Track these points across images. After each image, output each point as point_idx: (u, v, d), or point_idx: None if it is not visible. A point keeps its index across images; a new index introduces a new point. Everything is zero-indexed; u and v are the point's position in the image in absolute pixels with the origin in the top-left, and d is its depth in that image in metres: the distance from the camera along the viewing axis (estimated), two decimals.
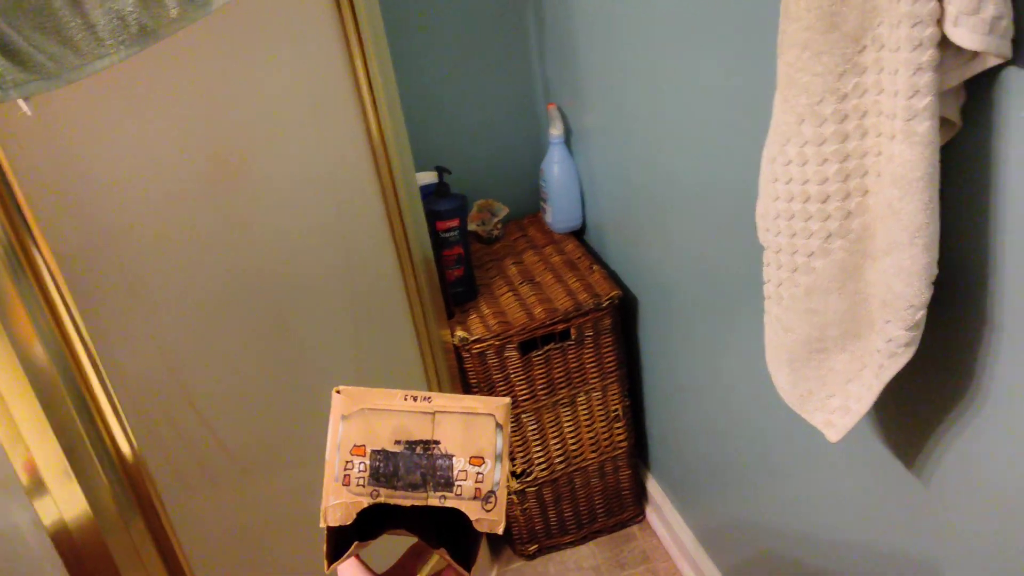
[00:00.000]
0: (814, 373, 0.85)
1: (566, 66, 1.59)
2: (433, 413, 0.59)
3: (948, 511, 0.87)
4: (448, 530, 0.61)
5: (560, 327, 1.54)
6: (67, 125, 0.85)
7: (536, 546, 1.81)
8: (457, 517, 0.59)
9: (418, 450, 0.58)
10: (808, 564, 1.23)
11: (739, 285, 1.16)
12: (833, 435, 0.85)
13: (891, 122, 0.66)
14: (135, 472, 0.94)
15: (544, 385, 1.60)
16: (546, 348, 1.56)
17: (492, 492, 0.58)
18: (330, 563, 0.58)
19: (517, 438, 1.64)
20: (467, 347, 1.51)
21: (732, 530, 1.49)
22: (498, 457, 0.58)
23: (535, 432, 1.65)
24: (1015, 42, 0.63)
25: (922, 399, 0.85)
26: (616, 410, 1.69)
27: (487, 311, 1.56)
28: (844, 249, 0.76)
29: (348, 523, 0.57)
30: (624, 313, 1.65)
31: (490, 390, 1.56)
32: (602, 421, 1.70)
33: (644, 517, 1.88)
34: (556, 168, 1.71)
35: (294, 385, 1.17)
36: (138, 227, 0.92)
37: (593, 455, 1.73)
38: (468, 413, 0.59)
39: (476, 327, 1.52)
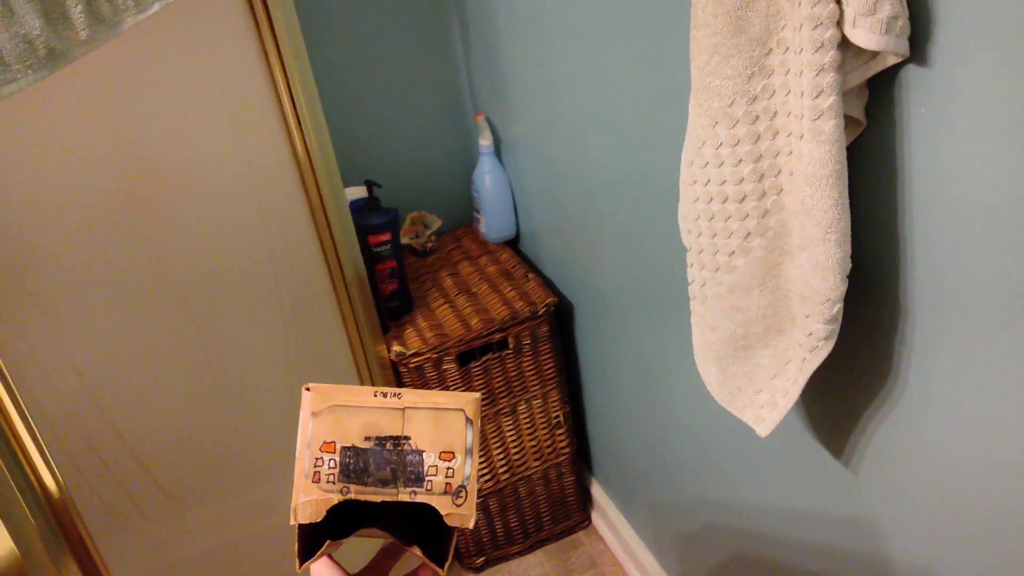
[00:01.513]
0: (741, 370, 0.86)
1: (492, 76, 1.60)
2: (403, 409, 0.59)
3: (875, 496, 0.89)
4: (421, 528, 0.62)
5: (497, 336, 1.54)
6: None
7: (483, 558, 1.80)
8: (430, 514, 0.59)
9: (388, 446, 0.58)
10: (751, 558, 1.25)
11: (670, 287, 1.18)
12: (763, 430, 0.87)
13: (799, 122, 0.68)
14: (62, 510, 0.91)
15: (485, 396, 1.60)
16: (484, 358, 1.56)
17: (463, 487, 0.58)
18: (302, 562, 0.58)
19: None
20: (404, 361, 1.50)
21: (677, 530, 1.51)
22: (468, 451, 0.59)
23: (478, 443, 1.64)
24: (912, 41, 0.65)
25: (846, 389, 0.87)
26: (557, 417, 1.70)
27: (424, 324, 1.56)
28: (763, 247, 0.78)
29: (318, 520, 0.57)
30: (561, 320, 1.66)
31: None
32: (544, 428, 1.70)
33: (590, 522, 1.89)
34: (487, 178, 1.71)
35: (224, 408, 1.15)
36: (53, 249, 0.90)
37: (537, 463, 1.73)
38: (438, 408, 0.59)
39: (413, 341, 1.52)
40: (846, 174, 0.68)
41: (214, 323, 1.14)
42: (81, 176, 0.92)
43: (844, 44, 0.65)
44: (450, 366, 1.53)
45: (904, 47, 0.65)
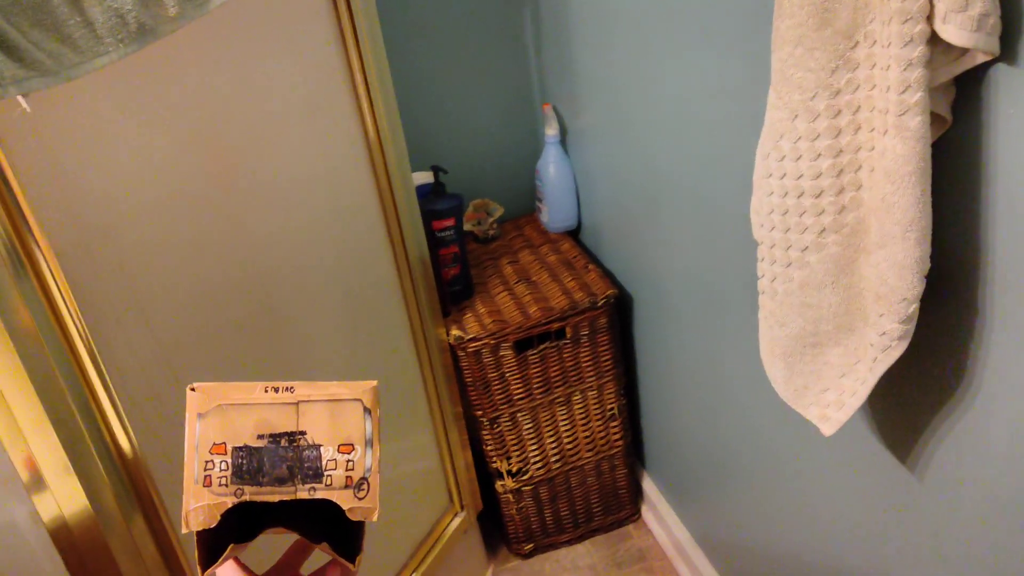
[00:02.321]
0: (808, 368, 0.86)
1: (562, 66, 1.60)
2: (296, 403, 0.57)
3: (942, 505, 0.88)
4: (330, 522, 0.59)
5: (556, 326, 1.55)
6: (66, 123, 0.86)
7: (532, 545, 1.81)
8: (338, 511, 0.57)
9: (283, 443, 0.56)
10: (804, 560, 1.23)
11: (734, 282, 1.17)
12: (828, 429, 0.86)
13: (883, 117, 0.67)
14: (135, 469, 0.94)
15: (540, 384, 1.60)
16: (542, 347, 1.57)
17: (364, 479, 0.56)
18: (204, 569, 0.56)
19: (513, 437, 1.64)
20: (463, 346, 1.52)
21: (728, 528, 1.50)
22: (368, 442, 0.57)
23: (531, 431, 1.65)
24: (1003, 39, 0.64)
25: (916, 393, 0.86)
26: (612, 409, 1.70)
27: (483, 310, 1.57)
28: (838, 243, 0.77)
29: (212, 526, 0.55)
30: (620, 312, 1.66)
31: (485, 388, 1.56)
32: (598, 420, 1.71)
33: (640, 516, 1.89)
34: (552, 168, 1.72)
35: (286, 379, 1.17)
36: (136, 225, 0.93)
37: (589, 454, 1.73)
38: (333, 400, 0.57)
39: (472, 326, 1.53)
40: (930, 172, 0.67)
41: (280, 299, 1.16)
42: (156, 144, 0.95)
43: (933, 40, 0.64)
44: (507, 353, 1.54)
45: (994, 45, 0.64)
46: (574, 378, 1.63)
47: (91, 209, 0.88)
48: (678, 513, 1.73)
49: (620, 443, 1.75)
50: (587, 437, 1.71)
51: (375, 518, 0.57)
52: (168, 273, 0.98)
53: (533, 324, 1.53)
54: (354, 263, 1.30)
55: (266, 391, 0.57)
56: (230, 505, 0.55)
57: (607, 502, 1.83)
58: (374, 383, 0.58)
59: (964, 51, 0.66)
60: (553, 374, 1.61)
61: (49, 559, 0.90)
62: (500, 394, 1.59)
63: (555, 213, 1.76)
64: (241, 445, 0.56)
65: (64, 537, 0.90)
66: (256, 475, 0.56)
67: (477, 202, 1.80)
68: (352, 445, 0.56)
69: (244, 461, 0.56)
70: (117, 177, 0.91)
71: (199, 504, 0.55)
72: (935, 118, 0.70)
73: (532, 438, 1.67)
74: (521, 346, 1.55)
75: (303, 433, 0.56)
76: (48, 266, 0.82)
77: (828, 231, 0.77)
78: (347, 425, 0.56)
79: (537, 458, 1.69)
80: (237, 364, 1.11)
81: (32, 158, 0.82)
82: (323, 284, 1.25)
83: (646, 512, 1.87)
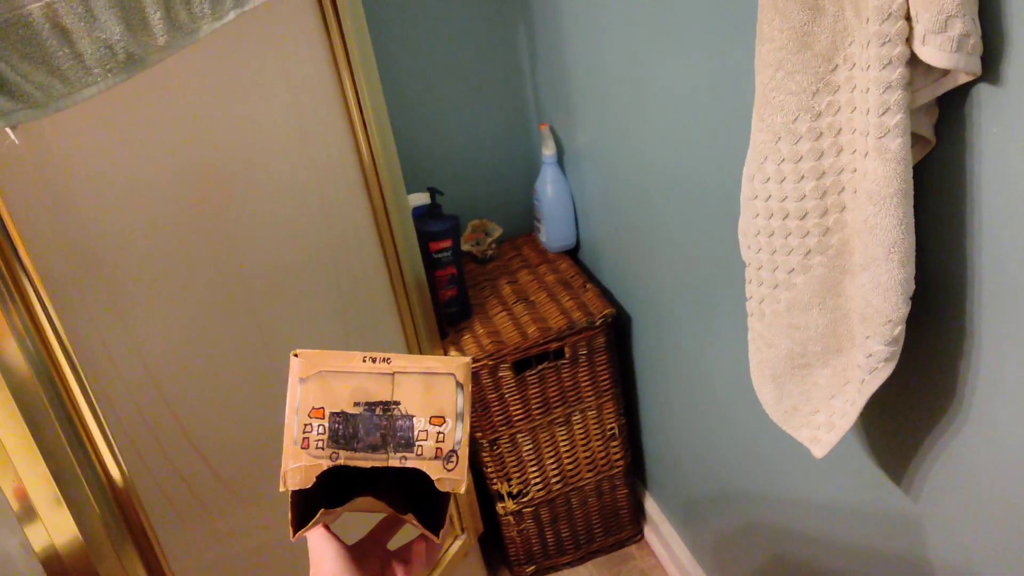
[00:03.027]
0: (798, 389, 0.85)
1: (557, 86, 1.61)
2: (392, 374, 0.58)
3: (938, 524, 0.87)
4: (416, 497, 0.61)
5: (554, 346, 1.55)
6: (54, 150, 0.86)
7: (534, 567, 1.80)
8: (424, 483, 0.58)
9: (378, 411, 0.58)
10: None
11: (731, 301, 1.17)
12: (819, 451, 0.85)
13: (864, 139, 0.67)
14: (125, 498, 0.94)
15: (539, 404, 1.60)
16: (540, 367, 1.56)
17: (454, 451, 0.58)
18: (295, 531, 0.58)
19: (513, 458, 1.64)
20: None
21: (729, 548, 1.49)
22: (459, 416, 0.58)
23: (531, 452, 1.65)
24: (984, 59, 0.64)
25: (906, 413, 0.85)
26: (612, 428, 1.69)
27: (481, 330, 1.57)
28: (824, 265, 0.77)
29: (308, 486, 0.57)
30: (618, 331, 1.66)
31: (484, 410, 1.56)
32: (598, 440, 1.70)
33: (642, 536, 1.87)
34: (549, 188, 1.72)
35: (283, 406, 1.17)
36: (125, 254, 0.93)
37: (590, 474, 1.73)
38: (428, 373, 0.58)
39: (470, 347, 1.53)
40: (912, 193, 0.67)
41: (276, 322, 1.17)
42: (151, 174, 0.95)
43: (913, 61, 0.64)
44: (506, 373, 1.54)
45: (976, 66, 0.63)
46: (573, 398, 1.63)
47: (80, 238, 0.89)
48: (680, 533, 1.72)
49: (621, 463, 1.74)
50: (587, 457, 1.71)
51: (463, 490, 0.58)
52: (157, 301, 0.98)
53: (531, 344, 1.53)
54: (350, 286, 1.31)
55: (364, 360, 0.59)
56: (325, 467, 0.57)
57: (608, 523, 1.82)
58: (468, 359, 0.59)
59: (945, 72, 0.66)
60: (552, 394, 1.60)
61: None
62: (499, 415, 1.58)
63: (553, 233, 1.76)
64: (338, 411, 0.58)
65: (55, 567, 0.90)
66: (351, 441, 0.58)
67: (475, 223, 1.80)
68: (444, 418, 0.58)
69: (340, 426, 0.58)
70: (107, 206, 0.91)
71: (297, 465, 0.57)
72: (918, 139, 0.70)
73: (532, 459, 1.66)
74: (520, 367, 1.55)
75: (397, 403, 0.58)
76: (37, 296, 0.82)
77: (813, 252, 0.76)
78: (440, 398, 0.58)
79: (537, 479, 1.68)
80: (229, 391, 1.11)
81: (21, 188, 0.82)
82: (318, 308, 1.25)
83: (648, 532, 1.86)
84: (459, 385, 0.58)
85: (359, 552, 0.64)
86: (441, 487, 0.58)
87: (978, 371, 0.74)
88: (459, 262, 1.57)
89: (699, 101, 1.09)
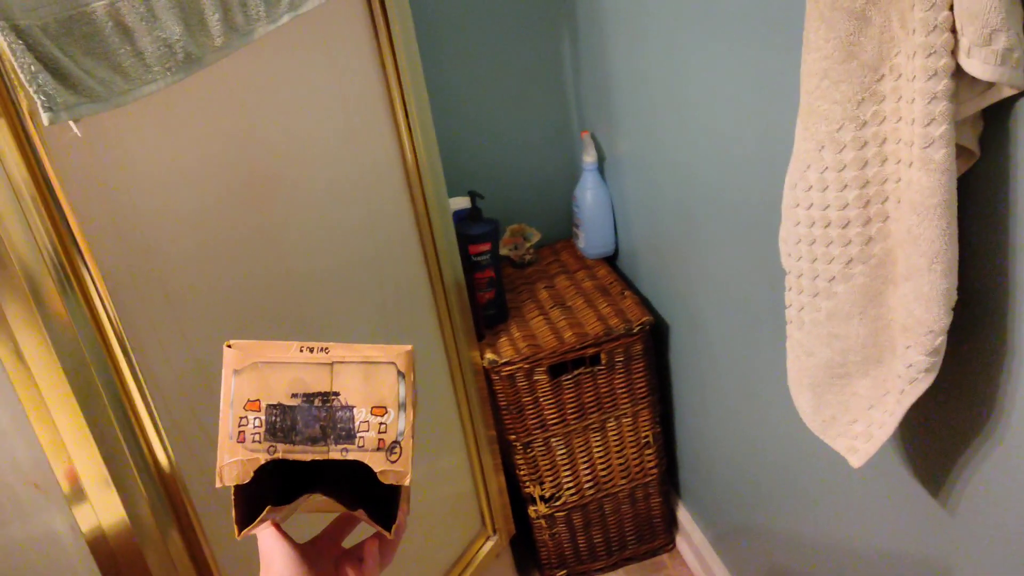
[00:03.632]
0: (836, 398, 0.85)
1: (600, 93, 1.62)
2: (331, 364, 0.57)
3: (975, 539, 0.86)
4: (367, 492, 0.59)
5: (591, 351, 1.55)
6: (114, 145, 0.89)
7: (565, 572, 1.81)
8: (374, 477, 0.56)
9: (316, 402, 0.56)
10: None
11: (769, 311, 1.17)
12: (856, 461, 0.85)
13: (909, 149, 0.68)
14: (172, 484, 0.96)
15: (574, 409, 1.61)
16: (576, 372, 1.57)
17: (396, 442, 0.56)
18: (240, 528, 0.56)
19: (546, 462, 1.65)
20: (496, 369, 1.53)
21: (762, 560, 1.48)
22: (401, 406, 0.56)
23: (564, 456, 1.66)
24: None
25: (945, 426, 0.85)
26: (647, 436, 1.70)
27: (517, 334, 1.58)
28: (865, 274, 0.77)
29: (246, 481, 0.55)
30: (656, 339, 1.66)
31: (519, 413, 1.57)
32: (632, 447, 1.70)
33: (674, 545, 1.87)
34: (589, 195, 1.73)
35: None
36: (177, 245, 0.96)
37: (623, 481, 1.73)
38: (368, 362, 0.57)
39: (506, 350, 1.54)
40: (955, 204, 0.67)
41: (317, 318, 1.19)
42: (205, 172, 0.98)
43: (959, 73, 0.64)
44: (541, 377, 1.55)
45: (1020, 79, 0.64)
46: (608, 404, 1.63)
47: (135, 228, 0.92)
48: (712, 543, 1.71)
49: (655, 471, 1.74)
50: (621, 464, 1.71)
51: (407, 482, 0.56)
52: (207, 294, 1.01)
53: (568, 349, 1.54)
54: (390, 286, 1.33)
55: (301, 351, 0.57)
56: (263, 461, 0.55)
57: (641, 531, 1.82)
58: (409, 347, 0.58)
59: (990, 85, 0.66)
60: (587, 400, 1.61)
61: (87, 570, 0.93)
62: (534, 419, 1.59)
63: (592, 239, 1.77)
64: (275, 403, 0.56)
65: (102, 548, 0.92)
66: (289, 433, 0.56)
67: (514, 227, 1.81)
68: (385, 408, 0.56)
69: (277, 419, 0.56)
70: (161, 198, 0.94)
71: (233, 459, 0.56)
72: (963, 151, 0.70)
73: (566, 464, 1.67)
74: (555, 371, 1.56)
75: (337, 394, 0.56)
76: (94, 284, 0.85)
77: (855, 261, 0.77)
78: (381, 388, 0.57)
79: (570, 484, 1.69)
80: None
81: (81, 179, 0.85)
82: (359, 305, 1.27)
83: (680, 542, 1.85)
84: (400, 374, 0.57)
85: (312, 551, 0.62)
86: (384, 479, 0.56)
87: (1019, 384, 0.74)
88: (497, 266, 1.59)
89: (741, 109, 1.09)
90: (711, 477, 1.62)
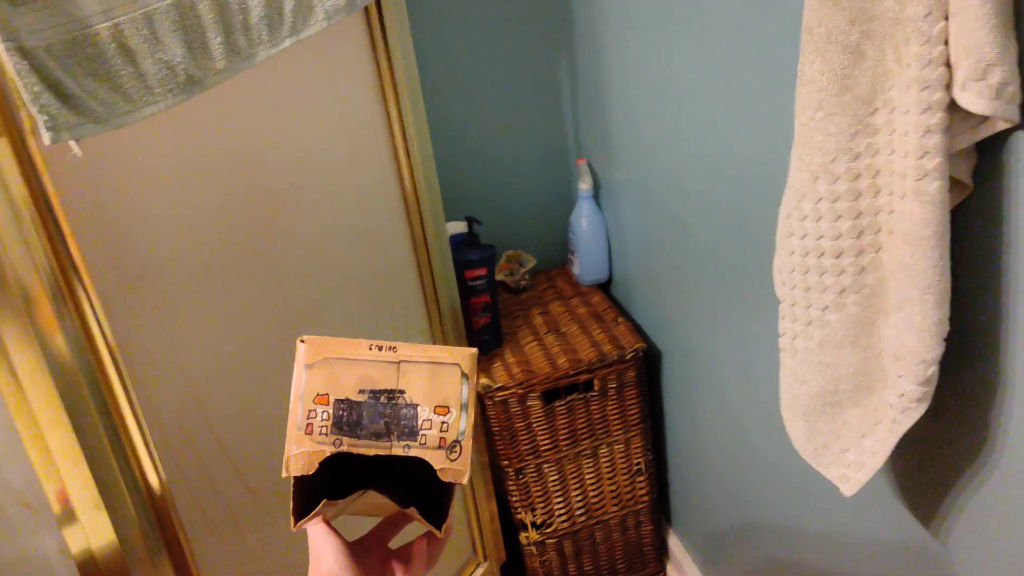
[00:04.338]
0: (828, 426, 0.85)
1: (596, 122, 1.63)
2: (398, 363, 0.58)
3: (966, 568, 0.86)
4: (419, 491, 0.60)
5: (584, 378, 1.55)
6: (113, 166, 0.90)
7: None
8: (429, 481, 0.57)
9: (382, 399, 0.58)
10: None
11: (761, 339, 1.18)
12: (848, 490, 0.85)
13: (902, 181, 0.68)
14: (162, 507, 0.96)
15: (567, 435, 1.61)
16: (569, 398, 1.57)
17: (457, 441, 0.57)
18: (297, 520, 0.57)
19: (538, 488, 1.64)
20: (490, 395, 1.53)
21: None
22: (463, 406, 0.58)
23: (556, 483, 1.65)
24: (1023, 108, 0.65)
25: (938, 455, 0.85)
26: (639, 463, 1.69)
27: (511, 359, 1.58)
28: (858, 304, 0.77)
29: (311, 472, 0.57)
30: (648, 366, 1.66)
31: (512, 438, 1.57)
32: (624, 474, 1.70)
33: (665, 574, 1.86)
34: (584, 222, 1.74)
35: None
36: (172, 263, 0.96)
37: (615, 508, 1.72)
38: (433, 363, 0.58)
39: (500, 375, 1.54)
40: (948, 236, 0.68)
41: None
42: (203, 192, 0.99)
43: (953, 107, 0.65)
44: (534, 403, 1.55)
45: (1014, 114, 0.65)
46: (601, 431, 1.63)
47: (132, 250, 0.92)
48: (703, 571, 1.71)
49: (646, 498, 1.73)
50: (613, 491, 1.71)
51: (465, 480, 0.58)
52: (201, 316, 1.01)
53: (561, 375, 1.54)
54: (387, 308, 1.33)
55: (370, 348, 0.59)
56: (328, 454, 0.57)
57: (631, 558, 1.81)
58: (474, 350, 0.59)
59: (984, 118, 0.67)
60: (580, 426, 1.61)
61: None
62: (526, 444, 1.59)
63: (587, 266, 1.78)
64: (343, 398, 0.58)
65: (91, 571, 0.92)
66: (355, 428, 0.57)
67: (510, 253, 1.82)
68: (448, 407, 0.58)
69: (344, 413, 0.57)
70: (159, 221, 0.94)
71: (300, 450, 0.57)
72: (956, 183, 0.71)
73: (558, 490, 1.66)
74: (549, 397, 1.56)
75: (402, 392, 0.58)
76: (90, 303, 0.85)
77: (848, 291, 0.77)
78: (445, 388, 0.58)
79: (562, 511, 1.68)
80: (267, 408, 1.13)
81: (80, 199, 0.86)
82: (355, 326, 1.27)
83: (671, 570, 1.85)
84: (464, 375, 0.58)
85: (360, 549, 0.63)
86: (444, 477, 0.57)
87: (1011, 414, 0.74)
88: (493, 291, 1.59)
89: (737, 139, 1.10)
90: (702, 505, 1.62)
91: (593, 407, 1.60)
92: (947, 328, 0.70)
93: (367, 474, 0.60)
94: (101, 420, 0.87)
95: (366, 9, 1.16)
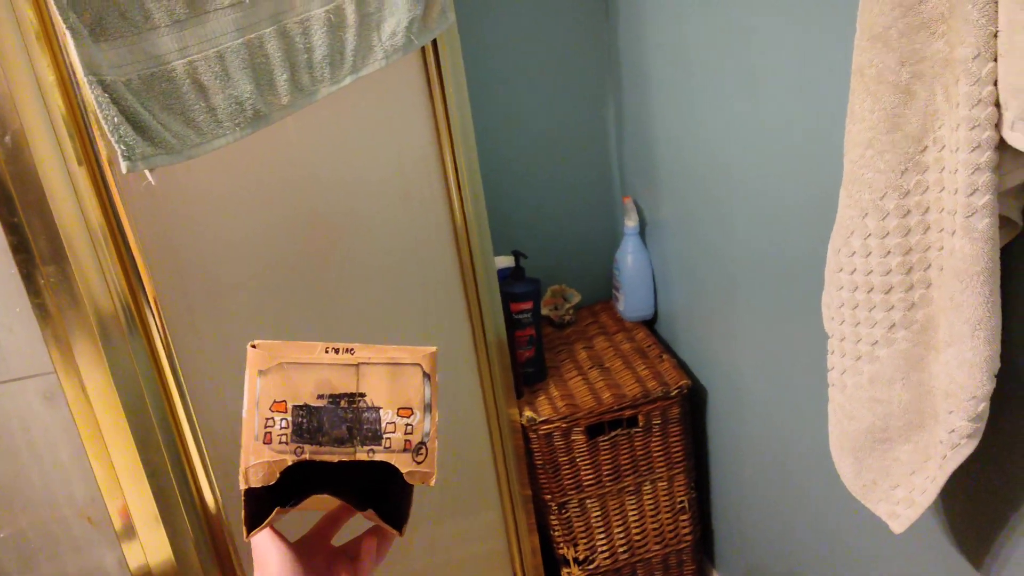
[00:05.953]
0: (878, 463, 0.85)
1: (642, 160, 1.66)
2: (357, 365, 0.56)
3: None
4: (375, 490, 0.58)
5: (628, 413, 1.56)
6: (179, 190, 0.94)
7: None
8: (384, 475, 0.56)
9: (342, 404, 0.56)
10: None
11: (809, 375, 1.18)
12: (898, 527, 0.85)
13: (952, 218, 0.69)
14: (217, 527, 0.99)
15: (610, 471, 1.61)
16: (613, 434, 1.58)
17: (422, 443, 0.56)
18: (249, 530, 0.55)
19: (581, 524, 1.64)
20: (534, 427, 1.54)
21: None
22: (427, 407, 0.56)
23: (599, 519, 1.65)
24: None
25: (989, 493, 0.85)
26: (683, 502, 1.69)
27: (556, 393, 1.60)
28: (907, 340, 0.78)
29: (271, 483, 0.54)
30: (693, 403, 1.66)
31: (555, 472, 1.58)
32: (667, 512, 1.69)
33: None
34: (630, 258, 1.76)
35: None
36: (236, 288, 1.00)
37: (657, 547, 1.71)
38: (393, 364, 0.56)
39: (544, 408, 1.55)
40: (999, 272, 0.68)
41: None
42: (259, 217, 1.02)
43: (1002, 145, 0.66)
44: (578, 437, 1.55)
45: None
46: (644, 467, 1.63)
47: (200, 276, 0.96)
48: None
49: (689, 538, 1.72)
50: (655, 529, 1.70)
51: (432, 483, 0.56)
52: (260, 336, 1.04)
53: (605, 410, 1.54)
54: (436, 339, 1.36)
55: (327, 352, 0.57)
56: (290, 463, 0.55)
57: None
58: (433, 348, 0.57)
59: None
60: (623, 462, 1.61)
61: None
62: (570, 479, 1.59)
63: (631, 302, 1.79)
64: (301, 404, 0.56)
65: None
66: (316, 434, 0.55)
67: (555, 288, 1.84)
68: (411, 409, 0.56)
69: (304, 420, 0.55)
70: (223, 247, 0.98)
71: (259, 461, 0.55)
72: (1007, 221, 0.72)
73: (600, 526, 1.66)
74: (592, 431, 1.57)
75: (363, 395, 0.56)
76: (157, 326, 0.89)
77: (898, 327, 0.78)
78: (407, 389, 0.56)
79: (604, 547, 1.68)
80: None
81: (150, 225, 0.90)
82: None
83: None
84: (426, 375, 0.57)
85: (304, 550, 0.61)
86: (412, 480, 0.56)
87: None
88: (538, 324, 1.61)
89: (785, 175, 1.12)
90: (745, 545, 1.60)
91: (637, 443, 1.60)
92: (998, 364, 0.70)
93: (318, 476, 0.58)
94: (163, 438, 0.90)
95: (423, 48, 1.20)
